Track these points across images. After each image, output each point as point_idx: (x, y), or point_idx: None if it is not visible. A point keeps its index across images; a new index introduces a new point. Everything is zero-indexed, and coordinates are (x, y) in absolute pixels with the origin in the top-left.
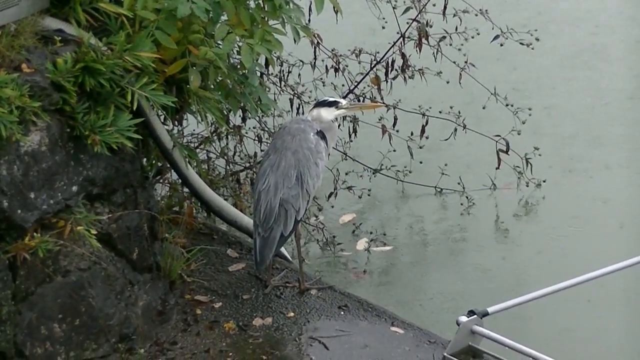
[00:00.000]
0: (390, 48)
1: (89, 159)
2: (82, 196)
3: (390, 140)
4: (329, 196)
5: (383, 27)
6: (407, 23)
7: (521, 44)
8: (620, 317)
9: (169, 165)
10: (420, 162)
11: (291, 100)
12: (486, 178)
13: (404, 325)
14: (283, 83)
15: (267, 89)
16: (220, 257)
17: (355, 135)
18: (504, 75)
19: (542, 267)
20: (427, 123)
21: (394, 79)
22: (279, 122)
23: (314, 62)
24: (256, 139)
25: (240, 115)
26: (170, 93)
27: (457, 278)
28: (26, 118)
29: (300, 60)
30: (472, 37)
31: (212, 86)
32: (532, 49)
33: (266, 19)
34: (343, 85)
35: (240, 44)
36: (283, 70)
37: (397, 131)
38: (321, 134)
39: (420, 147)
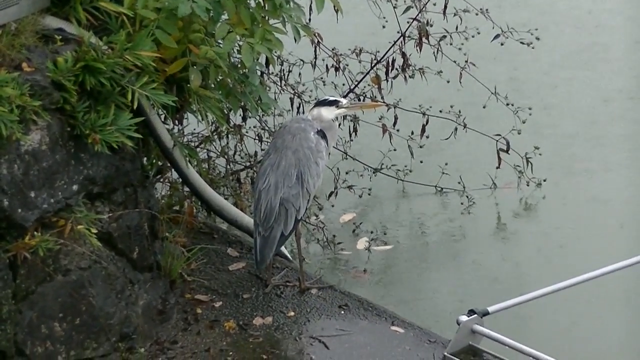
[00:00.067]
0: (391, 47)
1: (89, 158)
2: (82, 195)
3: (390, 139)
4: (330, 195)
5: (383, 27)
6: (408, 22)
7: (522, 43)
8: (620, 317)
9: (169, 165)
10: (421, 162)
11: (291, 100)
12: (486, 177)
13: (404, 325)
14: (283, 82)
15: (268, 88)
16: (220, 256)
17: (356, 134)
18: (504, 75)
19: (542, 267)
20: (427, 122)
21: (394, 78)
22: (279, 122)
23: (315, 62)
24: (256, 138)
25: (240, 115)
26: (170, 92)
27: (458, 277)
28: (26, 117)
29: (301, 60)
30: (473, 37)
31: (212, 85)
32: (533, 48)
33: (267, 18)
34: (343, 84)
35: (240, 43)
36: (283, 70)
37: (398, 130)
38: (321, 133)
39: (421, 147)
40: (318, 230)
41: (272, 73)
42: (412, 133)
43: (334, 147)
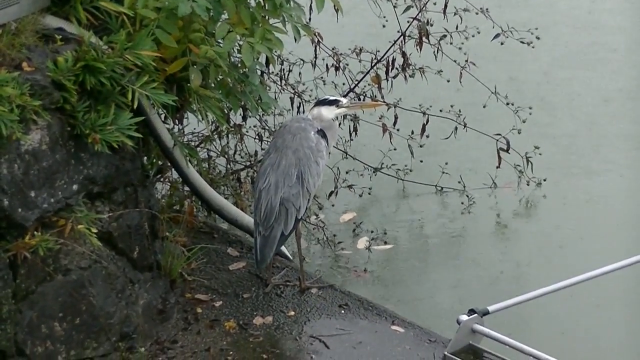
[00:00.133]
0: (391, 47)
1: (89, 158)
2: (82, 195)
3: (390, 138)
4: (330, 195)
5: (384, 26)
6: (408, 22)
7: (522, 42)
8: (620, 316)
9: (169, 164)
10: (421, 161)
11: (292, 99)
12: (487, 177)
13: (404, 324)
14: (284, 82)
15: (268, 88)
16: (220, 255)
17: (356, 134)
18: (504, 75)
19: (542, 267)
20: (427, 122)
21: (394, 77)
22: (279, 121)
23: (315, 61)
24: (257, 137)
25: (240, 114)
26: (170, 92)
27: (458, 277)
28: (27, 117)
29: (301, 59)
30: (473, 36)
31: (212, 85)
32: (533, 47)
33: (267, 17)
34: (344, 84)
35: (240, 42)
36: (284, 69)
37: (398, 130)
38: (322, 133)
39: (421, 146)
40: (318, 230)
41: (272, 72)
42: (412, 132)
43: (334, 146)
